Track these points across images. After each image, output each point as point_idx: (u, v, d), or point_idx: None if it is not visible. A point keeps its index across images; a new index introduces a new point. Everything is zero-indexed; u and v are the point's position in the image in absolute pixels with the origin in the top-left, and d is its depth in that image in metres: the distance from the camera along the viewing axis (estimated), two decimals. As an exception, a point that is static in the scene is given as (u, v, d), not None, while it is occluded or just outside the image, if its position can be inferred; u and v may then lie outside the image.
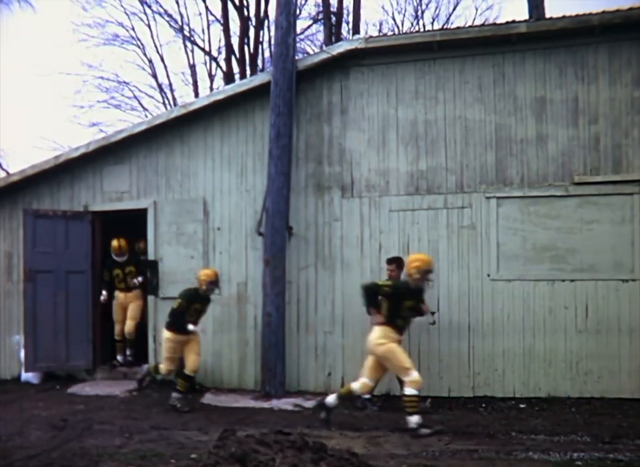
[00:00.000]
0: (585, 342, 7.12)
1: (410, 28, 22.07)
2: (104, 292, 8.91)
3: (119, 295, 9.01)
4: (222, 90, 8.81)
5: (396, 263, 6.93)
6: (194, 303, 7.08)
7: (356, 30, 17.21)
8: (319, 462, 3.72)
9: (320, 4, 18.31)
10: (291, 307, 7.92)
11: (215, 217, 8.34)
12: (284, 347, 7.73)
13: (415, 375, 5.83)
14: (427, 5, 22.62)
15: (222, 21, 18.46)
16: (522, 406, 6.91)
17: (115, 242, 8.93)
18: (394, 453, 5.15)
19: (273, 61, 8.10)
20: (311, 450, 3.85)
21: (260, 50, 18.76)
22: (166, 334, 7.08)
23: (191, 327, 6.98)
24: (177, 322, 6.99)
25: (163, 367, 7.20)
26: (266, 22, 18.29)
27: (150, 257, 8.55)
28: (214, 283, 7.11)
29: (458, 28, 7.99)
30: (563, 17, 7.19)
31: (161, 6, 20.70)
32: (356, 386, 6.12)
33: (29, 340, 8.48)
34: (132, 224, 8.90)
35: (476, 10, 23.87)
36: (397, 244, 7.65)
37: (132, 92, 22.45)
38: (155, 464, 4.79)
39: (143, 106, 22.54)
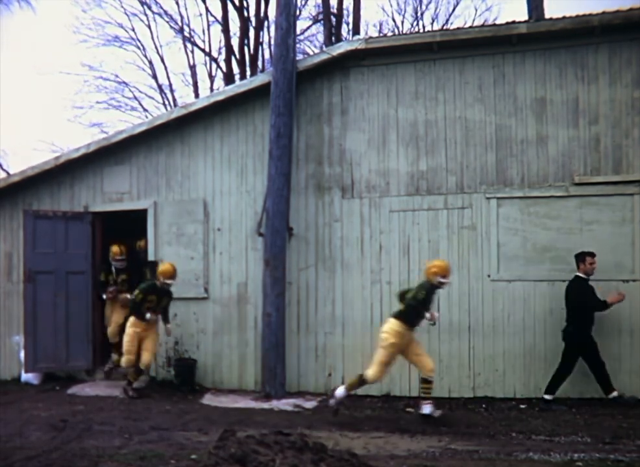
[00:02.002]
0: (585, 342, 7.11)
1: (410, 28, 22.10)
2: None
3: (138, 323, 7.62)
4: (223, 91, 8.81)
5: None
6: None
7: (356, 30, 17.22)
8: (319, 462, 3.71)
9: (320, 5, 18.32)
10: (291, 307, 7.91)
11: (215, 218, 8.34)
12: (284, 347, 7.73)
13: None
14: (427, 6, 22.65)
15: (222, 22, 18.47)
16: (522, 406, 6.91)
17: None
18: (394, 454, 5.14)
19: (273, 62, 8.10)
20: (311, 451, 3.84)
21: (260, 51, 18.79)
22: None
23: None
24: None
25: None
26: (266, 23, 18.31)
27: (151, 257, 8.55)
28: None
29: (458, 28, 7.97)
30: (563, 17, 7.19)
31: (161, 7, 20.74)
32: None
33: (29, 341, 8.48)
34: (132, 224, 8.90)
35: (476, 10, 23.90)
36: (397, 245, 7.65)
37: (132, 93, 22.49)
38: (155, 464, 4.78)
39: (143, 107, 22.58)
